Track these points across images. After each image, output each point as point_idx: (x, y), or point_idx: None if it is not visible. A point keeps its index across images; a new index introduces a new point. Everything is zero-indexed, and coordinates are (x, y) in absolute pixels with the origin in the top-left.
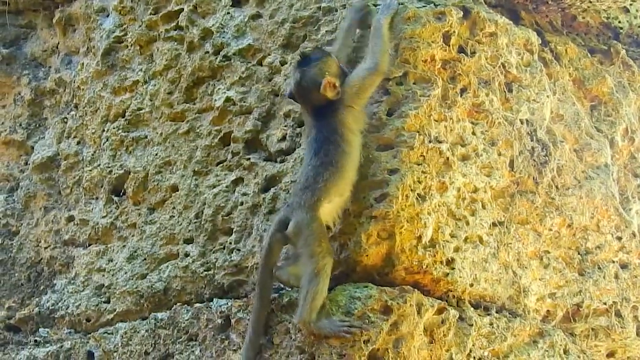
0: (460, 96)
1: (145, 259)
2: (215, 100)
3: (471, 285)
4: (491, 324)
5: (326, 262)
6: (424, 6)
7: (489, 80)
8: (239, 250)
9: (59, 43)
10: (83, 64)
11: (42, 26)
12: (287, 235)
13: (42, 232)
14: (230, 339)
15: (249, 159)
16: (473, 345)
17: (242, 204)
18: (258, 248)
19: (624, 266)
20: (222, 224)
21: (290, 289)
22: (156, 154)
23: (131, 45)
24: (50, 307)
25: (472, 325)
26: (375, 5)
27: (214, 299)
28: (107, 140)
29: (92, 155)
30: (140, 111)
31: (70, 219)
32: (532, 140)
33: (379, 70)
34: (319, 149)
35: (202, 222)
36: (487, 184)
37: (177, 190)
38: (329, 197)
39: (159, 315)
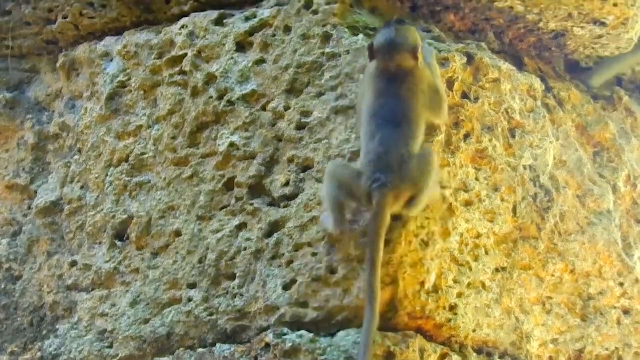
0: (464, 142)
1: (148, 304)
2: (219, 145)
3: (474, 330)
4: None
5: (434, 155)
6: None
7: (492, 126)
8: (242, 295)
9: (62, 87)
10: (87, 108)
11: (46, 70)
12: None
13: (45, 276)
14: None
15: (253, 204)
16: None
17: (245, 249)
18: (261, 294)
19: (626, 312)
20: (225, 269)
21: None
22: (160, 199)
23: (135, 90)
24: (53, 352)
25: None
26: None
27: (217, 344)
28: (111, 185)
29: (96, 200)
30: (144, 156)
31: (74, 263)
32: (535, 186)
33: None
34: (391, 121)
35: (206, 267)
36: (490, 230)
37: (181, 235)
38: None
39: None
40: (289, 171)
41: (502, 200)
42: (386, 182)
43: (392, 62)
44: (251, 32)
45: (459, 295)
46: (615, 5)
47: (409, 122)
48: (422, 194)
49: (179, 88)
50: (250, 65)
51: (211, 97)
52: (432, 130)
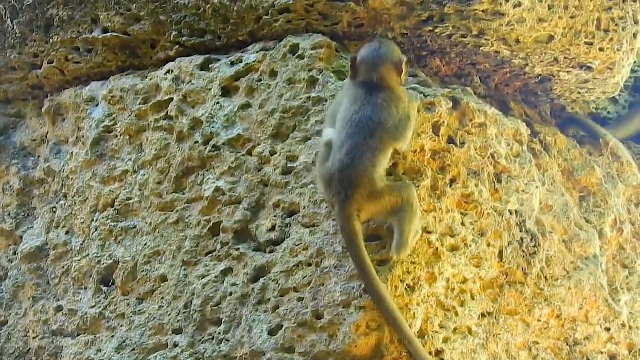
0: (450, 187)
1: (134, 349)
2: (205, 190)
3: None
4: None
5: (413, 194)
6: None
7: (478, 171)
8: (228, 340)
9: (48, 132)
10: (72, 153)
11: (32, 115)
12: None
13: (31, 322)
14: None
15: (239, 249)
16: None
17: (231, 294)
18: (247, 339)
19: (612, 357)
20: (211, 315)
21: None
22: (145, 244)
23: (120, 135)
24: None
25: None
26: None
27: None
28: (96, 230)
29: (81, 245)
30: (130, 201)
31: (59, 309)
32: (521, 231)
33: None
34: (372, 132)
35: (191, 313)
36: (476, 275)
37: (166, 281)
38: (381, 172)
39: None
40: (275, 216)
41: (488, 245)
42: (347, 197)
43: (374, 72)
44: (237, 77)
45: (445, 340)
46: (601, 49)
47: (379, 134)
48: (404, 233)
49: (165, 133)
50: (236, 110)
51: (197, 142)
52: (417, 174)
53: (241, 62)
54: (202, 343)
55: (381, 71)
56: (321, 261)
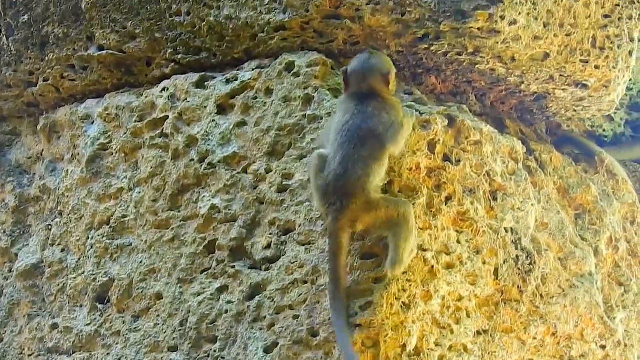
0: (445, 204)
1: None
2: (200, 207)
3: None
4: None
5: (410, 211)
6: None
7: (473, 189)
8: (223, 358)
9: (43, 150)
10: (68, 171)
11: (27, 133)
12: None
13: (26, 339)
14: None
15: (234, 266)
16: None
17: (226, 312)
18: (243, 356)
19: None
20: (206, 332)
21: None
22: (141, 262)
23: (116, 153)
24: None
25: None
26: None
27: None
28: (92, 247)
29: (77, 262)
30: (125, 219)
31: (55, 326)
32: (516, 249)
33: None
34: (363, 140)
35: (187, 330)
36: (472, 293)
37: (162, 298)
38: (375, 182)
39: None
40: (270, 234)
41: (484, 262)
42: (340, 207)
43: (364, 83)
44: (232, 95)
45: (441, 358)
46: (596, 67)
47: (370, 142)
48: (399, 250)
49: (160, 150)
50: (231, 127)
51: (192, 160)
52: (413, 191)
53: (237, 79)
54: None
55: (370, 81)
56: (317, 279)
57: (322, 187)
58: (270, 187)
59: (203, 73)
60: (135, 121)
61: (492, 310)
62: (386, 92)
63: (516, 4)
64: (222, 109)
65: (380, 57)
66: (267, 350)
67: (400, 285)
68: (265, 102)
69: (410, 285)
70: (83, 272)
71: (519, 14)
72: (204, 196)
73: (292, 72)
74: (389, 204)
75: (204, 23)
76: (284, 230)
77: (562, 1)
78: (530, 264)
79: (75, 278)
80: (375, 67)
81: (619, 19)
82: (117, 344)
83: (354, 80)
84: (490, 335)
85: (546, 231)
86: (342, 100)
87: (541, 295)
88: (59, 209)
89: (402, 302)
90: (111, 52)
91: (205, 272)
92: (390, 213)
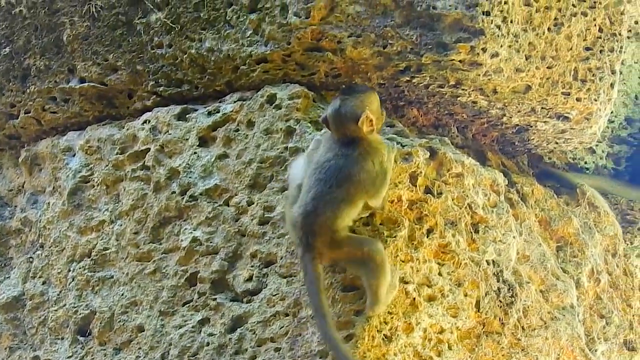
0: (427, 237)
1: None
2: (182, 240)
3: None
4: None
5: (379, 249)
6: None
7: (455, 221)
8: None
9: (25, 182)
10: (49, 203)
11: (8, 165)
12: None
13: None
14: None
15: (216, 299)
16: None
17: (208, 344)
18: None
19: None
20: None
21: None
22: (122, 294)
23: (97, 185)
24: None
25: None
26: None
27: None
28: (73, 280)
29: (58, 295)
30: (107, 251)
31: (36, 359)
32: (498, 281)
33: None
34: (339, 182)
35: None
36: (454, 325)
37: (143, 331)
38: (344, 223)
39: None
40: (252, 266)
41: (466, 295)
42: (307, 243)
43: (338, 131)
44: (214, 127)
45: None
46: (578, 99)
47: (347, 186)
48: (371, 288)
49: (142, 183)
50: (213, 159)
51: (174, 192)
52: (394, 224)
53: (218, 112)
54: None
55: (346, 130)
56: (298, 311)
57: (293, 219)
58: (251, 220)
59: (185, 105)
60: (117, 153)
61: (473, 343)
62: (365, 135)
63: (498, 36)
64: (204, 141)
65: (352, 102)
66: None
67: (381, 317)
68: (247, 135)
69: (392, 318)
70: (64, 305)
71: (501, 46)
72: (185, 229)
73: (273, 105)
74: (352, 243)
75: (186, 55)
76: (265, 262)
77: (543, 33)
78: (512, 296)
79: (56, 311)
80: (346, 115)
81: (601, 51)
82: None
83: (332, 127)
84: None
85: (528, 263)
86: (328, 136)
87: (523, 328)
88: (40, 241)
89: (384, 335)
90: (93, 84)
91: (187, 305)
92: (353, 252)
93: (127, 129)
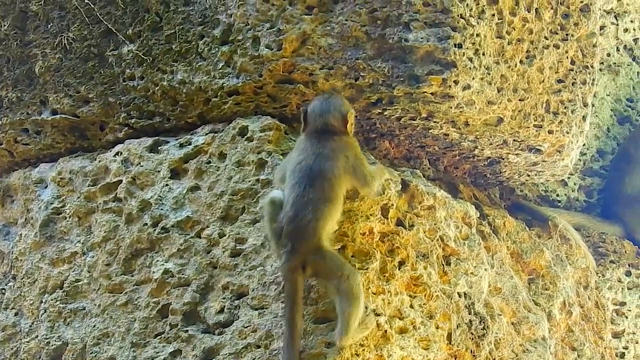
0: (399, 269)
1: None
2: (154, 272)
3: None
4: None
5: (357, 281)
6: None
7: (427, 254)
8: None
9: None
10: (21, 235)
11: None
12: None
13: None
14: None
15: (187, 331)
16: None
17: None
18: None
19: None
20: None
21: None
22: (94, 326)
23: (69, 217)
24: None
25: None
26: None
27: None
28: (45, 311)
29: (30, 326)
30: (79, 283)
31: None
32: (470, 314)
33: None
34: (312, 182)
35: None
36: (425, 357)
37: None
38: (327, 227)
39: None
40: (224, 298)
41: (437, 327)
42: (292, 249)
43: (321, 121)
44: (186, 159)
45: None
46: (550, 132)
47: (320, 187)
48: (344, 317)
49: (114, 215)
50: (184, 192)
51: (146, 224)
52: (366, 256)
53: (190, 144)
54: None
55: (329, 119)
56: (270, 343)
57: (277, 230)
58: (223, 252)
59: (156, 137)
60: (89, 185)
61: None
62: (344, 131)
63: (470, 68)
64: (176, 173)
65: (340, 99)
66: None
67: (353, 349)
68: (219, 167)
69: (364, 350)
70: (36, 336)
71: (473, 78)
72: (157, 260)
73: (245, 137)
74: (334, 260)
75: (158, 87)
76: (237, 294)
77: (515, 66)
78: (484, 328)
79: (28, 342)
80: (335, 105)
81: (573, 83)
82: None
83: (312, 118)
84: None
85: (499, 296)
86: (300, 140)
87: None
88: (12, 272)
89: None
90: (65, 116)
91: (159, 337)
92: (334, 272)
93: (99, 161)
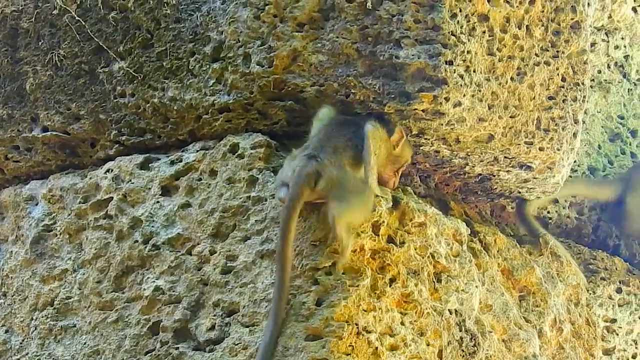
0: (389, 286)
1: None
2: (144, 289)
3: None
4: None
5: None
6: None
7: (418, 271)
8: None
9: None
10: (12, 252)
11: None
12: (317, 189)
13: None
14: None
15: (178, 348)
16: None
17: None
18: None
19: None
20: None
21: None
22: (85, 343)
23: (60, 234)
24: None
25: None
26: None
27: None
28: (36, 328)
29: (21, 344)
30: (69, 300)
31: None
32: (460, 331)
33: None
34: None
35: None
36: None
37: None
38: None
39: None
40: (215, 315)
41: (428, 344)
42: (313, 159)
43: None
44: (176, 176)
45: None
46: (541, 149)
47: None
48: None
49: (104, 232)
50: (175, 209)
51: (136, 241)
52: (357, 273)
53: (181, 161)
54: None
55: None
56: None
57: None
58: (214, 269)
59: (147, 154)
60: (80, 202)
61: None
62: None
63: (460, 85)
64: (167, 190)
65: None
66: None
67: None
68: (210, 184)
69: None
70: (27, 354)
71: (464, 95)
72: (148, 277)
73: (236, 154)
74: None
75: (148, 104)
76: (228, 311)
77: (506, 83)
78: (475, 345)
79: (19, 359)
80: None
81: (564, 100)
82: None
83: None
84: None
85: (490, 313)
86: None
87: None
88: (2, 290)
89: None
90: (55, 133)
91: (149, 354)
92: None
93: (90, 178)
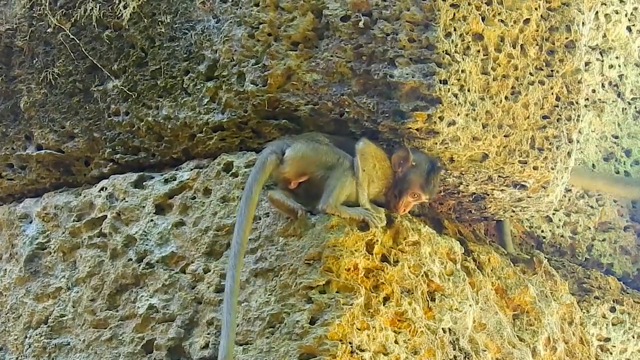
0: (383, 305)
1: None
2: (138, 307)
3: None
4: None
5: (348, 164)
6: None
7: (411, 289)
8: None
9: None
10: (6, 270)
11: None
12: (284, 158)
13: None
14: None
15: None
16: None
17: None
18: None
19: None
20: None
21: None
22: None
23: (54, 252)
24: None
25: None
26: None
27: None
28: (30, 347)
29: None
30: (63, 318)
31: None
32: (454, 349)
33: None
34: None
35: None
36: None
37: None
38: None
39: None
40: (208, 333)
41: None
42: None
43: None
44: (170, 195)
45: None
46: (535, 168)
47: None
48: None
49: (98, 250)
50: (169, 227)
51: (130, 260)
52: (351, 291)
53: (175, 179)
54: None
55: None
56: None
57: None
58: (208, 287)
59: (141, 173)
60: (74, 221)
61: None
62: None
63: (455, 104)
64: (161, 208)
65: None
66: None
67: None
68: (204, 202)
69: None
70: None
71: (458, 114)
72: (142, 296)
73: (230, 172)
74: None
75: (143, 123)
76: (221, 330)
77: (501, 102)
78: None
79: None
80: None
81: (558, 119)
82: None
83: None
84: None
85: (484, 331)
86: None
87: None
88: None
89: None
90: (50, 151)
91: None
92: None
93: (84, 196)
